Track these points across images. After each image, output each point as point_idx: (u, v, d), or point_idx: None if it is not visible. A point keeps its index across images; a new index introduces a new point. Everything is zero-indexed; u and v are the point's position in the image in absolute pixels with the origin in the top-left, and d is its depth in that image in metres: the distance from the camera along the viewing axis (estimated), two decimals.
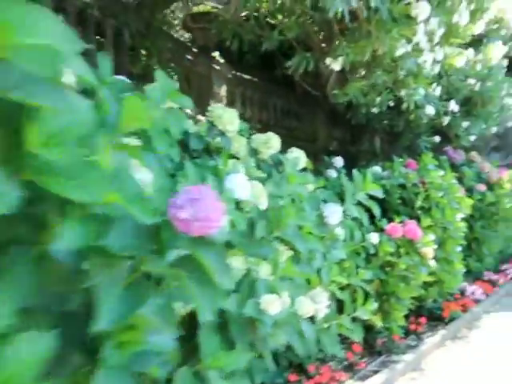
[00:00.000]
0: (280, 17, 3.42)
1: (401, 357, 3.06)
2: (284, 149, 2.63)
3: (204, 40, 4.73)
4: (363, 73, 3.83)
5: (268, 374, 2.11)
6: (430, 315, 3.86)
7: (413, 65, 3.65)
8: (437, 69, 4.09)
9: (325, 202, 2.68)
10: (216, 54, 4.70)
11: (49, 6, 3.23)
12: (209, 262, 0.78)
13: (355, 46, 3.14)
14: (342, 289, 2.69)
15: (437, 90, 4.69)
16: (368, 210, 3.11)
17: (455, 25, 3.82)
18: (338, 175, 3.49)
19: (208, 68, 4.54)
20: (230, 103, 4.72)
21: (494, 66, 5.25)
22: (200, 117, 3.31)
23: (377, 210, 3.09)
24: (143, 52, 4.59)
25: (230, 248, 1.58)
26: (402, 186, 3.79)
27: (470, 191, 4.80)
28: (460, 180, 4.55)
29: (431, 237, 3.32)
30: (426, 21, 3.27)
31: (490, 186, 5.25)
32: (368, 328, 3.04)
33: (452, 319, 3.87)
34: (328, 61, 3.27)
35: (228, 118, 2.21)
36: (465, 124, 5.51)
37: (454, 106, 5.11)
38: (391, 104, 4.60)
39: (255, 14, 3.79)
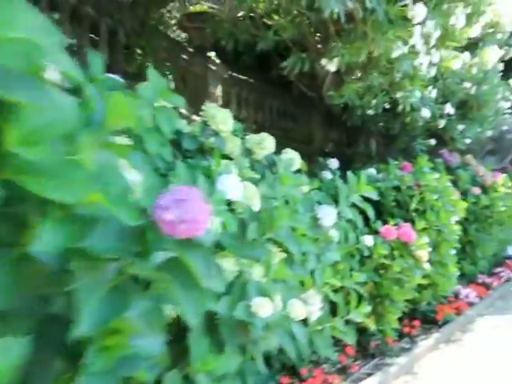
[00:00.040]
0: (276, 17, 3.40)
1: (394, 360, 3.04)
2: (280, 150, 2.61)
3: (200, 40, 4.71)
4: (359, 74, 3.82)
5: (260, 376, 2.09)
6: (424, 318, 3.85)
7: (409, 67, 3.64)
8: (433, 71, 4.08)
9: (319, 203, 2.67)
10: (212, 54, 4.69)
11: (42, 3, 3.21)
12: (195, 265, 0.76)
13: (351, 47, 3.13)
14: (335, 291, 2.67)
15: (433, 93, 4.69)
16: (362, 212, 3.10)
17: (451, 28, 3.82)
18: (332, 177, 3.48)
19: (204, 68, 4.52)
20: (226, 104, 4.70)
21: (490, 70, 5.26)
22: (195, 117, 3.29)
23: (371, 212, 3.07)
24: (138, 51, 4.56)
25: (220, 250, 1.56)
26: (397, 189, 3.78)
27: (464, 194, 4.81)
28: (455, 183, 4.55)
29: (425, 239, 3.31)
30: (423, 23, 3.27)
31: (485, 190, 5.26)
32: (361, 330, 3.02)
33: (446, 322, 3.86)
34: (323, 62, 3.25)
35: (221, 118, 2.19)
36: (460, 127, 5.51)
37: (449, 108, 5.11)
38: (387, 106, 4.60)
39: (251, 14, 3.78)
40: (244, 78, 5.20)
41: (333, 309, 2.65)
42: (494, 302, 4.98)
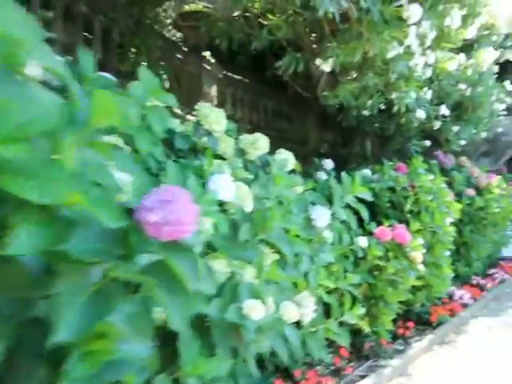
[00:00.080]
0: (271, 16, 3.38)
1: (388, 361, 3.03)
2: (274, 151, 2.59)
3: (195, 39, 4.69)
4: (354, 75, 3.81)
5: (253, 379, 2.07)
6: (418, 319, 3.84)
7: (404, 68, 3.63)
8: (428, 72, 4.08)
9: (313, 204, 2.65)
10: (207, 53, 4.66)
11: (35, 1, 3.17)
12: (181, 269, 0.74)
13: (346, 47, 3.11)
14: (329, 293, 2.65)
15: (428, 94, 4.70)
16: (357, 214, 3.08)
17: (447, 29, 3.82)
18: (327, 178, 3.46)
19: (198, 67, 4.50)
20: (221, 103, 4.68)
21: (485, 72, 5.27)
22: (189, 117, 3.26)
23: (365, 213, 3.06)
24: (133, 50, 4.53)
25: (212, 251, 1.53)
26: (392, 190, 3.77)
27: (459, 196, 4.81)
28: (450, 184, 4.55)
29: (420, 241, 3.30)
30: (418, 24, 3.26)
31: (479, 191, 5.27)
32: (355, 332, 3.01)
33: (440, 324, 3.85)
34: (318, 62, 3.23)
35: (215, 118, 2.16)
36: (455, 128, 5.52)
37: (444, 110, 5.12)
38: (382, 107, 4.60)
39: (247, 13, 3.75)
40: (239, 77, 5.19)
41: (327, 310, 2.63)
42: (488, 304, 4.99)
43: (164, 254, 0.74)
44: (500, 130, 7.33)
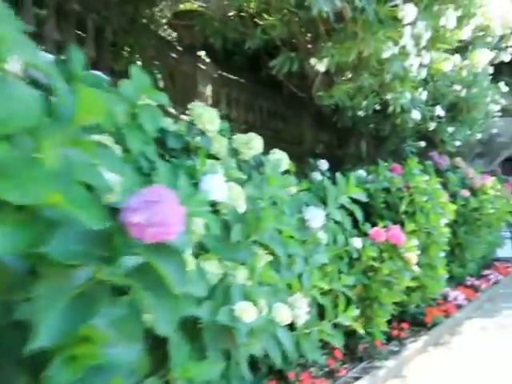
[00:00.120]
0: (266, 16, 3.36)
1: (383, 363, 3.01)
2: (269, 151, 2.57)
3: (190, 39, 4.66)
4: (349, 75, 3.80)
5: (246, 381, 2.05)
6: (413, 320, 3.83)
7: (399, 68, 3.62)
8: (423, 73, 4.08)
9: (307, 205, 2.63)
10: (202, 53, 4.64)
11: None
12: (167, 271, 0.71)
13: (340, 46, 3.10)
14: (323, 294, 2.63)
15: (423, 95, 4.69)
16: (352, 214, 3.07)
17: (442, 29, 3.81)
18: (322, 178, 3.44)
19: (193, 67, 4.47)
20: (216, 103, 4.66)
21: (480, 73, 5.28)
22: (184, 116, 3.23)
23: (359, 214, 3.04)
24: (127, 49, 4.49)
25: (204, 252, 1.51)
26: (387, 190, 3.76)
27: (454, 197, 4.81)
28: (444, 185, 4.55)
29: (415, 242, 3.28)
30: (413, 24, 3.25)
31: (474, 192, 5.28)
32: (350, 333, 2.99)
33: (434, 325, 3.85)
34: (313, 61, 3.22)
35: (208, 118, 2.14)
36: (450, 129, 5.53)
37: (439, 111, 5.12)
38: (377, 108, 4.59)
39: (242, 13, 3.73)
40: (234, 77, 5.16)
41: (321, 312, 2.61)
42: (483, 305, 4.99)
43: (149, 257, 0.71)
44: (495, 131, 7.35)
